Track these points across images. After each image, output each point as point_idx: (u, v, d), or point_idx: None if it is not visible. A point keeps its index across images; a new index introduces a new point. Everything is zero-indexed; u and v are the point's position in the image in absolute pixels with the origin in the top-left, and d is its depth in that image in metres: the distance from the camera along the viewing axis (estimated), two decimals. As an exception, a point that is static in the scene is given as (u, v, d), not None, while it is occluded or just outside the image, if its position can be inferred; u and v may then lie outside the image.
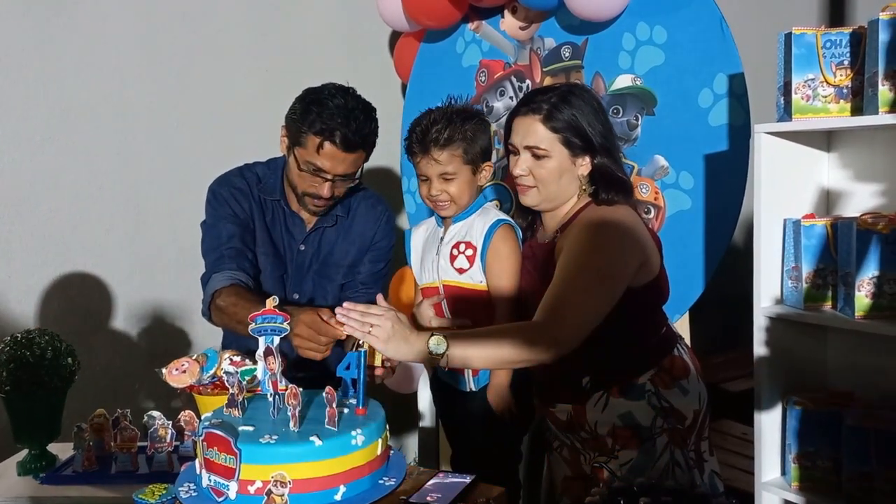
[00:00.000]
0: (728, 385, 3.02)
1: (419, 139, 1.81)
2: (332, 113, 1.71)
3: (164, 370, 1.73)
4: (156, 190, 2.65)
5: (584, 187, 1.65)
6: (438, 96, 2.70)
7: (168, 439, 1.70)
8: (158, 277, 2.63)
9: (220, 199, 1.87)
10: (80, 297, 2.51)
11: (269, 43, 2.88)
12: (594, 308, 1.50)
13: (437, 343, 1.41)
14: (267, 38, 2.88)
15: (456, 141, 1.79)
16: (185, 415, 1.74)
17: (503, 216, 1.85)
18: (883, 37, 1.48)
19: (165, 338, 2.68)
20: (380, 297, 1.51)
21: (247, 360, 1.66)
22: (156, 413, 1.74)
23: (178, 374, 1.75)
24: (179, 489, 1.27)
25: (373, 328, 1.40)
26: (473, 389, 1.89)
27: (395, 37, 3.04)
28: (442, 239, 1.89)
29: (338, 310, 1.42)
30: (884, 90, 1.49)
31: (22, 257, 2.41)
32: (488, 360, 1.50)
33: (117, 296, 2.60)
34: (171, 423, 1.71)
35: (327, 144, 1.72)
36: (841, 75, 1.60)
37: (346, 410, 1.35)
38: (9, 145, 2.38)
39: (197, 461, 1.28)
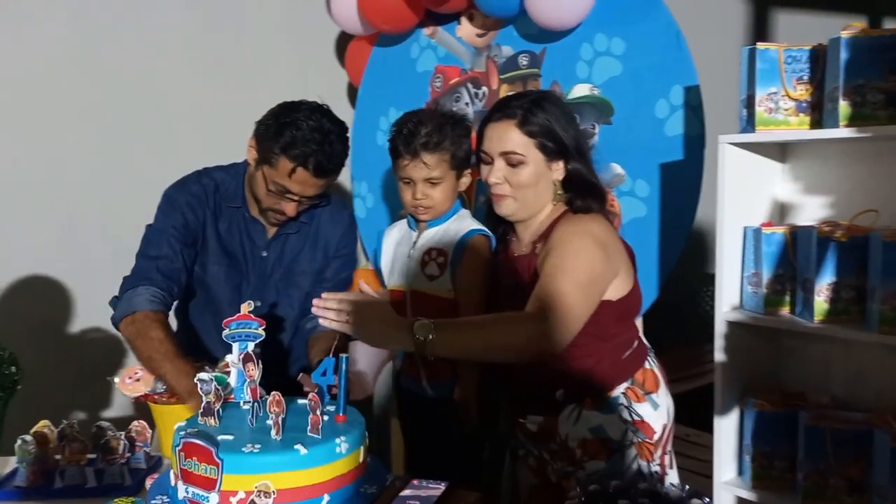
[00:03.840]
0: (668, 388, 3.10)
1: (407, 141, 1.77)
2: (306, 138, 1.66)
3: (115, 379, 1.65)
4: (91, 193, 2.53)
5: (559, 192, 1.64)
6: (391, 101, 2.68)
7: (121, 450, 1.62)
8: (92, 282, 2.50)
9: (175, 205, 1.80)
10: (21, 304, 2.37)
11: (210, 41, 2.78)
12: (583, 306, 1.49)
13: (421, 328, 1.35)
14: (208, 34, 2.77)
15: (445, 145, 1.76)
16: (137, 425, 1.66)
17: (478, 226, 1.83)
18: (844, 54, 1.55)
19: (100, 344, 2.55)
20: (363, 283, 1.47)
21: (206, 367, 1.60)
22: (105, 423, 1.65)
23: (132, 383, 1.68)
24: (152, 502, 1.20)
25: (350, 315, 1.34)
26: (431, 395, 1.87)
27: (342, 38, 3.00)
28: (415, 243, 1.86)
29: (315, 301, 1.37)
30: (844, 105, 1.57)
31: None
32: (476, 348, 1.43)
33: (49, 301, 2.46)
34: (123, 433, 1.63)
35: (300, 170, 1.68)
36: (801, 90, 1.67)
37: (325, 418, 1.31)
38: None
39: (172, 472, 1.22)
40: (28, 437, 1.60)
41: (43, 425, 1.64)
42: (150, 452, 1.60)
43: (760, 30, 4.26)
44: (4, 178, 2.36)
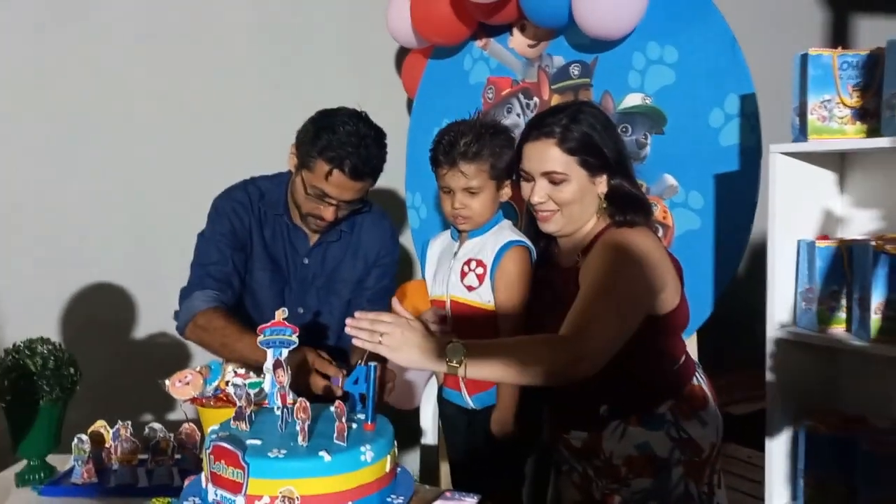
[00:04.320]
0: (731, 408, 2.99)
1: (446, 150, 1.77)
2: (342, 141, 1.69)
3: (167, 382, 1.70)
4: (160, 200, 2.64)
5: (603, 205, 1.60)
6: (445, 112, 2.70)
7: (169, 452, 1.67)
8: (159, 287, 2.61)
9: (221, 213, 1.87)
10: (80, 306, 2.49)
11: (275, 56, 2.88)
12: (619, 329, 1.45)
13: (452, 351, 1.34)
14: (273, 51, 2.88)
15: (484, 155, 1.76)
16: (186, 427, 1.72)
17: (517, 237, 1.81)
18: (898, 58, 1.48)
19: (165, 349, 2.65)
20: (395, 303, 1.46)
21: (251, 373, 1.64)
22: (157, 425, 1.71)
23: (182, 386, 1.72)
24: (184, 503, 1.24)
25: (383, 337, 1.33)
26: (473, 407, 1.87)
27: (401, 52, 3.05)
28: (455, 254, 1.87)
29: (348, 321, 1.37)
30: (899, 112, 1.49)
31: (23, 266, 2.38)
32: (509, 371, 1.39)
33: (118, 305, 2.58)
34: (172, 435, 1.68)
35: (336, 172, 1.71)
36: (857, 96, 1.60)
37: (354, 426, 1.32)
38: (8, 153, 2.37)
39: (203, 475, 1.25)
40: (84, 437, 1.67)
41: (99, 425, 1.72)
42: (198, 454, 1.65)
43: (840, 36, 4.09)
44: (80, 187, 2.49)
